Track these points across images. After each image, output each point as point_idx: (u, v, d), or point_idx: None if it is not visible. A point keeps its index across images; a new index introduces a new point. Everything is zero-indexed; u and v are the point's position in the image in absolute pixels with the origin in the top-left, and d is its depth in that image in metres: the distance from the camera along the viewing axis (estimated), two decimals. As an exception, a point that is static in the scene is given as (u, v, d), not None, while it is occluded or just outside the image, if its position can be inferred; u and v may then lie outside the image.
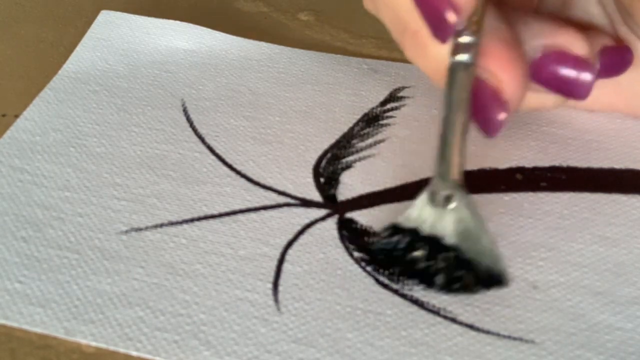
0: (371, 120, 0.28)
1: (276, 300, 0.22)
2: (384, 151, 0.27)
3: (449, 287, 0.22)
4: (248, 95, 0.29)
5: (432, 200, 0.22)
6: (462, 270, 0.21)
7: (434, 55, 0.22)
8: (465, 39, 0.21)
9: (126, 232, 0.23)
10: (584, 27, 0.25)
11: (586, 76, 0.23)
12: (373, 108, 0.29)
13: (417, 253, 0.22)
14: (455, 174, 0.21)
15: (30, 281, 0.22)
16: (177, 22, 0.32)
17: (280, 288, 0.22)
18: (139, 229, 0.24)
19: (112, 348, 0.20)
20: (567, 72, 0.23)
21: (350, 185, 0.25)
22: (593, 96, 0.25)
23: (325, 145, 0.27)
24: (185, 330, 0.21)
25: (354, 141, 0.27)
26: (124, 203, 0.24)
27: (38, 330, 0.21)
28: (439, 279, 0.22)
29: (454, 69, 0.21)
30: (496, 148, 0.27)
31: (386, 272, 0.22)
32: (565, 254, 0.23)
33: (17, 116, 0.28)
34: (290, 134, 0.28)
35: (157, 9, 0.34)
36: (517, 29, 0.23)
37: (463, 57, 0.21)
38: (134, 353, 0.20)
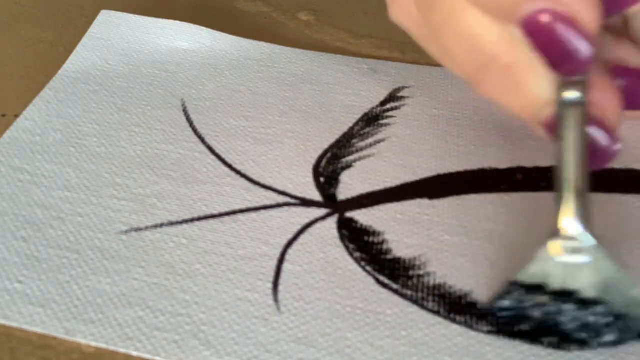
0: (371, 120, 0.28)
1: (276, 300, 0.22)
2: (384, 151, 0.27)
3: (599, 343, 0.20)
4: (248, 95, 0.29)
5: (558, 252, 0.20)
6: (613, 324, 0.20)
7: (530, 92, 0.20)
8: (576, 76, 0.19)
9: (126, 232, 0.23)
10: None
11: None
12: (373, 108, 0.29)
13: (551, 308, 0.20)
14: (583, 221, 0.19)
15: (30, 281, 0.22)
16: (177, 22, 0.32)
17: (280, 288, 0.22)
18: (139, 229, 0.24)
19: (112, 348, 0.20)
20: (630, 86, 0.22)
21: (350, 185, 0.25)
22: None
23: (325, 145, 0.27)
24: (185, 330, 0.21)
25: (354, 141, 0.27)
26: (124, 203, 0.24)
27: (38, 330, 0.21)
28: (593, 337, 0.20)
29: (566, 107, 0.19)
30: (496, 148, 0.27)
31: (515, 331, 0.21)
32: (565, 254, 0.23)
33: (17, 116, 0.28)
34: (290, 134, 0.28)
35: (157, 9, 0.34)
36: None
37: (574, 94, 0.19)
38: (134, 353, 0.20)
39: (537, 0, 0.19)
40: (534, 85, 0.20)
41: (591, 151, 0.20)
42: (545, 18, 0.19)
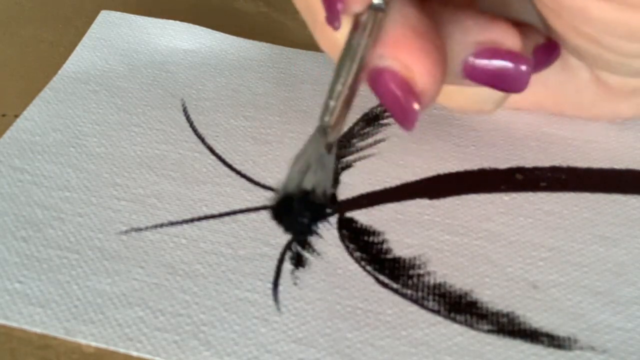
0: (371, 120, 0.28)
1: (276, 300, 0.22)
2: (384, 150, 0.27)
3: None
4: (248, 95, 0.29)
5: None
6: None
7: (335, 42, 0.21)
8: None
9: (126, 232, 0.23)
10: (520, 24, 0.25)
11: (522, 69, 0.22)
12: (373, 108, 0.29)
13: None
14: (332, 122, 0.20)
15: (30, 281, 0.22)
16: (177, 22, 0.32)
17: (280, 288, 0.22)
18: (139, 229, 0.24)
19: (112, 348, 0.20)
20: (502, 67, 0.22)
21: (350, 185, 0.25)
22: (522, 95, 0.25)
23: (325, 145, 0.27)
24: (185, 330, 0.21)
25: (354, 140, 0.27)
26: (124, 203, 0.24)
27: (38, 330, 0.21)
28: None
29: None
30: (496, 148, 0.27)
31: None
32: (565, 254, 0.23)
33: (17, 116, 0.28)
34: (290, 134, 0.28)
35: (157, 9, 0.34)
36: (446, 28, 0.22)
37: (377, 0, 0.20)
38: (134, 353, 0.20)
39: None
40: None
41: (398, 110, 0.21)
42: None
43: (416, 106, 0.21)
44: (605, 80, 0.26)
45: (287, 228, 0.22)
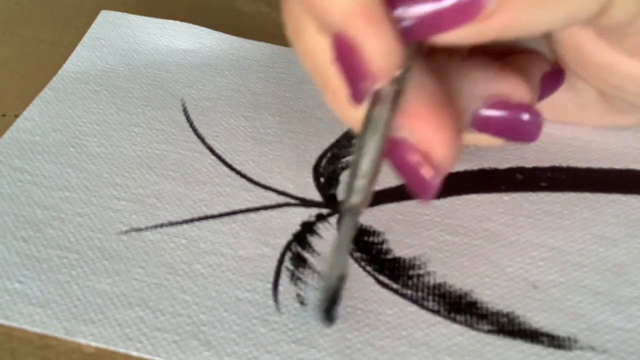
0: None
1: (276, 300, 0.22)
2: (384, 151, 0.27)
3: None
4: (248, 95, 0.29)
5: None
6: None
7: (356, 115, 0.20)
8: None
9: (126, 232, 0.23)
10: (526, 52, 0.25)
11: (533, 120, 0.22)
12: (373, 108, 0.29)
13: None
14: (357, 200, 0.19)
15: (30, 281, 0.22)
16: (177, 22, 0.32)
17: (280, 288, 0.22)
18: (139, 229, 0.24)
19: (112, 348, 0.20)
20: (513, 119, 0.22)
21: (350, 185, 0.25)
22: None
23: (325, 144, 0.27)
24: (185, 331, 0.21)
25: (354, 141, 0.27)
26: (124, 203, 0.24)
27: (38, 330, 0.21)
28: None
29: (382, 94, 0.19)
30: (496, 148, 0.27)
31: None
32: (565, 254, 0.23)
33: (17, 116, 0.28)
34: (290, 134, 0.28)
35: (157, 9, 0.34)
36: (454, 80, 0.22)
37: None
38: (134, 353, 0.20)
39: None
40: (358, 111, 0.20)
41: (415, 183, 0.20)
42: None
43: (436, 179, 0.20)
44: (609, 97, 0.26)
45: (330, 319, 0.21)
